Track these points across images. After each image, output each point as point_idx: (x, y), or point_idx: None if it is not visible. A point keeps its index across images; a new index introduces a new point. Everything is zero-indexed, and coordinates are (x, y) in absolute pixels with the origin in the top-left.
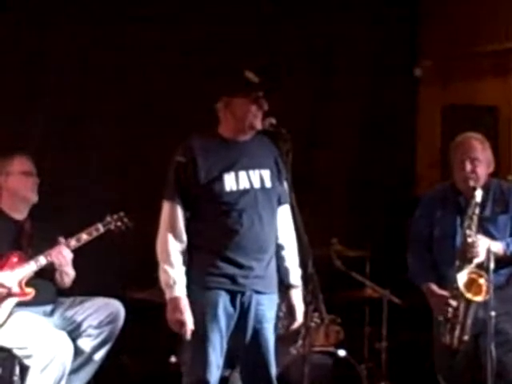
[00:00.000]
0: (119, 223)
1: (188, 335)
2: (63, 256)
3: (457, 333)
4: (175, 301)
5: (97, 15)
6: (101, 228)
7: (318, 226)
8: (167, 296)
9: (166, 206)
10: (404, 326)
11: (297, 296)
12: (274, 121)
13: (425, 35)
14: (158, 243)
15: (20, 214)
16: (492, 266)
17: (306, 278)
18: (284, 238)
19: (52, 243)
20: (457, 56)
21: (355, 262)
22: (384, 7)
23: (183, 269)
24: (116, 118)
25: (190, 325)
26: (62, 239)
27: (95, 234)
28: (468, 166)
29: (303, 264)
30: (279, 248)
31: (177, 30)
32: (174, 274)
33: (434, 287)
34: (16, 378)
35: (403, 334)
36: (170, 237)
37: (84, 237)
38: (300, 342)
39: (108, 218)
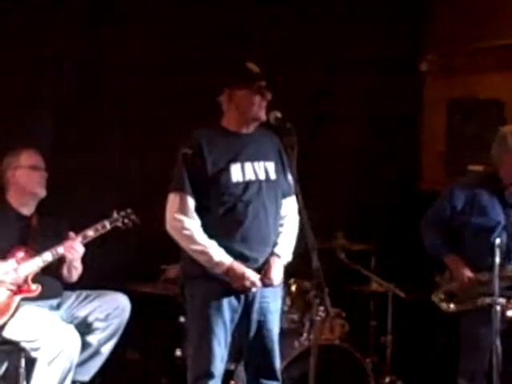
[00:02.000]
0: (126, 220)
1: (258, 284)
2: (76, 250)
3: (463, 306)
4: (231, 268)
5: (99, 13)
6: (107, 225)
7: (322, 220)
8: (220, 271)
9: (175, 198)
10: (409, 320)
11: (276, 263)
12: (279, 114)
13: (430, 29)
14: (174, 234)
15: (28, 210)
16: (498, 260)
17: (311, 272)
18: (285, 222)
19: (58, 239)
20: (462, 50)
21: (360, 255)
22: (389, 1)
23: (212, 241)
24: (117, 115)
25: (253, 277)
26: (72, 234)
27: (102, 231)
28: None
29: (308, 258)
30: (278, 235)
31: (177, 30)
32: (209, 249)
33: (459, 258)
34: (22, 371)
35: (408, 327)
36: (186, 221)
37: (90, 233)
38: (305, 335)
39: (115, 215)
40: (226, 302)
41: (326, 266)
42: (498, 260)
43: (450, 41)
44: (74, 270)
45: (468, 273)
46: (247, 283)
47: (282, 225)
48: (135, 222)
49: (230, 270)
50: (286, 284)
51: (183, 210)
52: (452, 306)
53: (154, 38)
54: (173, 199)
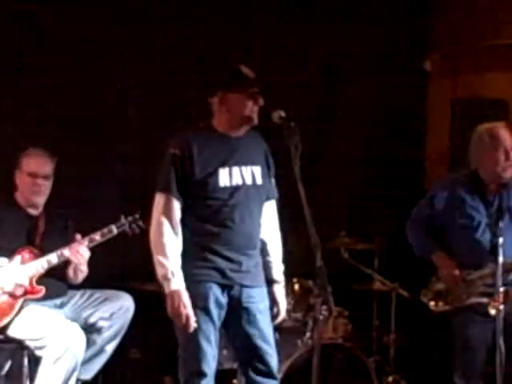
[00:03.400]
0: (133, 225)
1: (191, 328)
2: (81, 255)
3: (451, 306)
4: (177, 294)
5: (101, 14)
6: (114, 230)
7: (326, 219)
8: (167, 289)
9: (160, 198)
10: (412, 320)
11: (280, 291)
12: (283, 114)
13: (434, 29)
14: (153, 235)
15: (35, 210)
16: (501, 259)
17: (314, 271)
18: (268, 233)
19: (65, 240)
20: (466, 50)
21: (364, 254)
22: (394, 0)
23: (179, 261)
24: (116, 116)
25: (193, 317)
26: (78, 237)
27: (109, 235)
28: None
29: (312, 257)
30: (263, 243)
31: (178, 31)
32: (172, 266)
33: (445, 256)
34: (25, 370)
35: (411, 327)
36: (166, 228)
37: (97, 238)
38: (308, 334)
39: (122, 220)
40: (212, 301)
41: (329, 265)
42: (501, 259)
43: (454, 40)
44: (80, 272)
45: (455, 270)
46: (182, 318)
47: (269, 236)
48: (142, 228)
49: (175, 294)
50: (289, 283)
51: (167, 214)
52: (440, 305)
53: (153, 39)
54: (158, 199)
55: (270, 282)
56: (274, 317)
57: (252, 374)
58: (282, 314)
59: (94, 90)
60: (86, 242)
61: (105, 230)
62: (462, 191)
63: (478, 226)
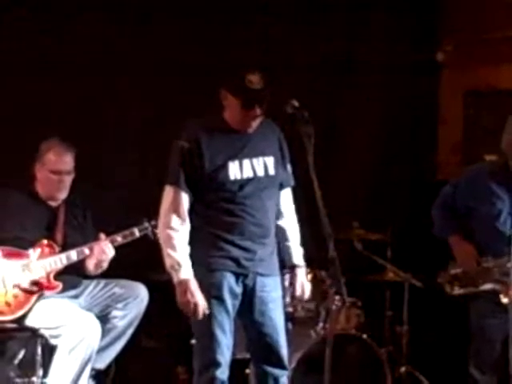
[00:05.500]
0: (156, 230)
1: (201, 316)
2: (105, 253)
3: (466, 290)
4: (184, 283)
5: (106, 16)
6: (136, 233)
7: (339, 210)
8: (175, 280)
9: (169, 191)
10: (425, 310)
11: (302, 274)
12: (296, 103)
13: (447, 19)
14: (161, 227)
15: (55, 202)
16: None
17: (327, 261)
18: (286, 220)
19: (84, 232)
20: (479, 41)
21: (376, 245)
22: None
23: (187, 250)
24: (118, 118)
25: (202, 305)
26: (103, 236)
27: (130, 238)
28: None
29: (325, 247)
30: (281, 229)
31: (181, 29)
32: (179, 257)
33: (462, 239)
34: (39, 359)
35: (424, 317)
36: (174, 220)
37: (118, 239)
38: (321, 324)
39: (145, 224)
40: (226, 291)
41: (342, 256)
42: None
43: (467, 31)
44: (100, 268)
45: (470, 253)
46: (190, 306)
47: (287, 222)
48: None
49: (182, 283)
50: None
51: (175, 206)
52: (456, 288)
53: (156, 38)
54: (167, 192)
55: (291, 267)
56: (293, 298)
57: (262, 364)
58: (307, 294)
59: (94, 94)
60: (107, 242)
61: (126, 232)
62: (488, 179)
63: (499, 215)
